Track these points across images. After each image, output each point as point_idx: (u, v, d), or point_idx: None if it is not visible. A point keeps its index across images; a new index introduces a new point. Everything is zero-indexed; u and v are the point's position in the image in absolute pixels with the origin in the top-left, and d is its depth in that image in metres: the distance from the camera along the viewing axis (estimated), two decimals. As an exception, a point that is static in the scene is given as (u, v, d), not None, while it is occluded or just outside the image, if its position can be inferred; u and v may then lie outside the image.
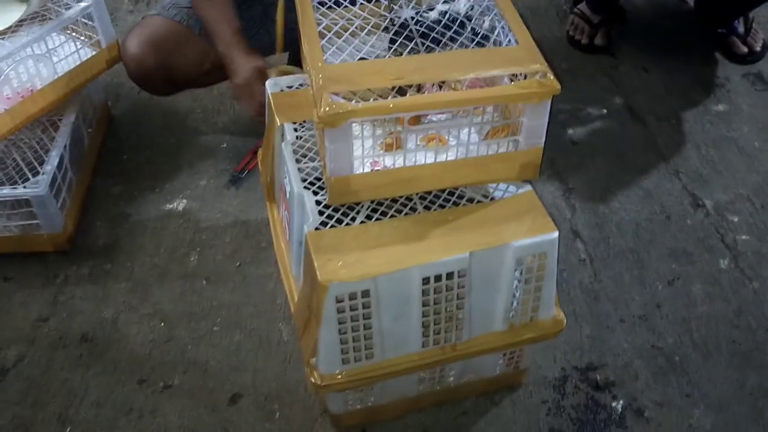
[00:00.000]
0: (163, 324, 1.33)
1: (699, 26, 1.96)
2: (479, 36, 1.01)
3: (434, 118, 1.05)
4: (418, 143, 1.02)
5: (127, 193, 1.57)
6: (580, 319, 1.32)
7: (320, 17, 1.04)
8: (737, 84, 1.82)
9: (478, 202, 1.03)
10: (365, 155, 0.98)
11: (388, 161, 1.00)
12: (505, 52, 0.97)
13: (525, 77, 0.93)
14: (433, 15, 1.04)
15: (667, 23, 2.02)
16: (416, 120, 1.04)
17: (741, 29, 1.87)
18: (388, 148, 1.01)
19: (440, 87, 0.99)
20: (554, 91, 0.92)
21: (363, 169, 0.98)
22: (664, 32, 1.99)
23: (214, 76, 1.56)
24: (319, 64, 0.94)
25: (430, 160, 0.99)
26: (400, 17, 1.07)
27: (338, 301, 0.94)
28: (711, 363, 1.25)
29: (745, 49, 1.87)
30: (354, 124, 0.95)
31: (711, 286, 1.37)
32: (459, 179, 1.02)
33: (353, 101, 0.91)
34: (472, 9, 1.04)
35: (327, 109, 0.88)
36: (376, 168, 1.00)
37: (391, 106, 0.90)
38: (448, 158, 1.00)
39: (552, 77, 0.92)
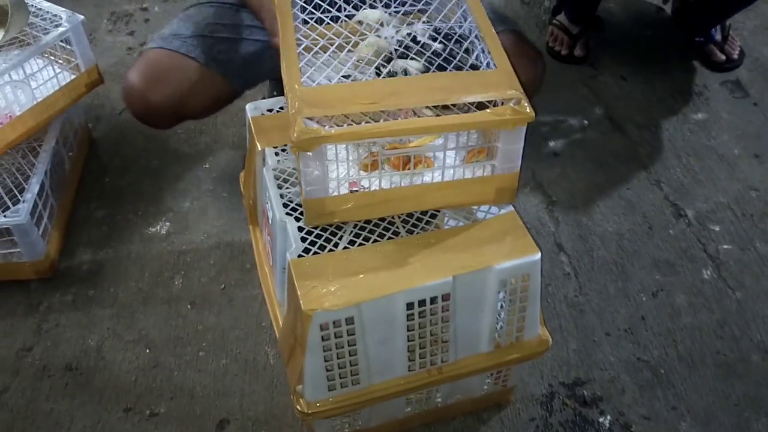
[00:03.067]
0: (148, 350, 1.32)
1: (677, 35, 1.98)
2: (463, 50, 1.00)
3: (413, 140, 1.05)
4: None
5: (110, 217, 1.56)
6: (566, 334, 1.32)
7: (301, 37, 1.04)
8: (716, 92, 1.84)
9: (461, 224, 1.03)
10: (342, 178, 0.98)
11: (366, 183, 1.00)
12: (482, 76, 0.97)
13: (502, 102, 0.93)
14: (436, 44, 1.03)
15: (645, 32, 2.03)
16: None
17: (718, 37, 1.89)
18: (367, 169, 1.01)
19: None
20: (528, 118, 0.92)
21: (339, 191, 0.98)
22: (643, 41, 2.00)
23: (219, 107, 1.49)
24: (296, 87, 0.94)
25: (406, 182, 0.99)
26: (380, 36, 1.07)
27: (323, 329, 0.94)
28: (696, 375, 1.26)
29: (723, 57, 1.89)
30: (329, 147, 0.95)
31: (694, 296, 1.38)
32: (436, 201, 1.02)
33: (327, 126, 0.91)
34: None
35: (300, 134, 0.88)
36: (354, 189, 1.00)
37: (364, 131, 0.90)
38: (425, 181, 1.00)
39: (527, 104, 0.92)
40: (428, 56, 1.01)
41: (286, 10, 1.07)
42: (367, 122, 0.93)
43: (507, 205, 1.05)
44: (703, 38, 1.90)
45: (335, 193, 0.98)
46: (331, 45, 1.05)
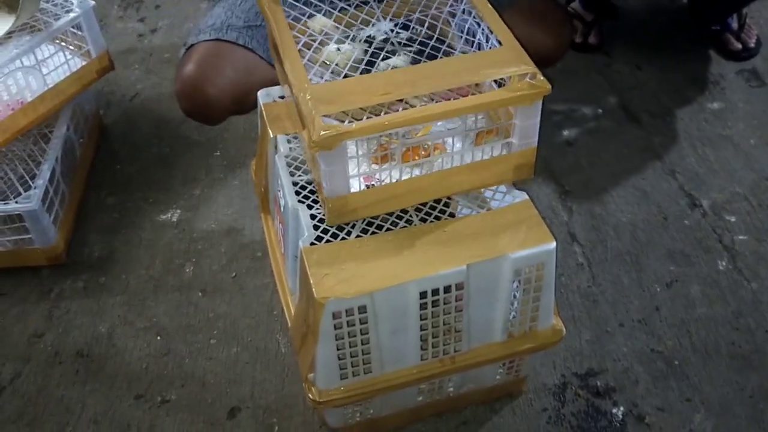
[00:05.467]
0: (159, 337, 1.32)
1: (692, 23, 1.95)
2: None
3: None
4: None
5: (121, 204, 1.56)
6: (579, 324, 1.31)
7: (298, 34, 1.02)
8: (732, 81, 1.81)
9: (474, 213, 1.02)
10: (363, 173, 0.96)
11: (385, 175, 0.99)
12: (490, 55, 0.96)
13: (510, 79, 0.92)
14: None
15: (660, 20, 2.01)
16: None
17: (735, 25, 1.86)
18: (381, 160, 1.00)
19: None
20: (545, 91, 0.91)
21: (359, 187, 0.97)
22: (658, 29, 1.98)
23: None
24: (306, 86, 0.92)
25: (427, 170, 0.98)
26: (379, 31, 1.06)
27: (335, 317, 0.93)
28: (711, 366, 1.25)
29: (739, 46, 1.86)
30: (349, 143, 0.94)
31: (709, 287, 1.37)
32: (456, 186, 1.01)
33: (345, 121, 0.89)
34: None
35: (322, 133, 0.86)
36: (369, 183, 0.99)
37: (386, 123, 0.89)
38: (444, 167, 0.99)
39: (542, 78, 0.91)
40: (416, 48, 1.00)
41: (275, 8, 1.05)
42: (386, 113, 0.91)
43: (521, 193, 1.04)
44: (719, 27, 1.87)
45: (355, 190, 0.96)
46: (330, 40, 1.04)
